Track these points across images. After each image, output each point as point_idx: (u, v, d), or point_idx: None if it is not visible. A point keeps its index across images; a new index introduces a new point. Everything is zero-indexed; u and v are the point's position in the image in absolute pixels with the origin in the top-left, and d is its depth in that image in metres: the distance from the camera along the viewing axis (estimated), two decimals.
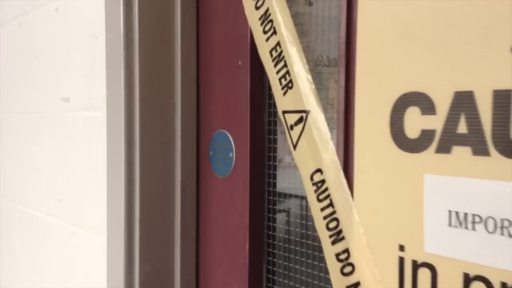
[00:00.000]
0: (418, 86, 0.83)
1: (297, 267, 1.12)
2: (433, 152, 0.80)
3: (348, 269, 0.93)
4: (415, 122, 0.83)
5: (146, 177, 1.32)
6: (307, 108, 1.03)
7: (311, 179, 1.01)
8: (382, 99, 0.88)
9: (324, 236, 0.98)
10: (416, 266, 0.83)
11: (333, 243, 0.96)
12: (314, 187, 1.00)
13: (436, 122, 0.80)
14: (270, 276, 1.21)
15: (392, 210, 0.86)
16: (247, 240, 1.21)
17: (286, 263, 1.16)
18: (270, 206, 1.21)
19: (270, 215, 1.21)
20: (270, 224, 1.21)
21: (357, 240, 0.92)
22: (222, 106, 1.31)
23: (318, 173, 1.00)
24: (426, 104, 0.81)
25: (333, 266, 0.96)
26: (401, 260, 0.85)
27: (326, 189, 0.98)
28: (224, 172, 1.29)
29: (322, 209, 0.98)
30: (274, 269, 1.20)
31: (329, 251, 0.96)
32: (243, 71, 1.23)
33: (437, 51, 0.80)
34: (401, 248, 0.85)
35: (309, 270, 1.08)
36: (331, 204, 0.97)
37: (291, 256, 1.14)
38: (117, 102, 1.32)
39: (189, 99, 1.38)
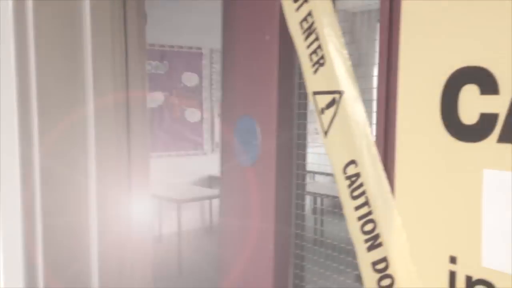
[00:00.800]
0: (478, 60, 0.66)
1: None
2: (495, 142, 0.64)
3: (386, 282, 0.77)
4: (472, 104, 0.66)
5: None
6: (340, 89, 0.87)
7: (344, 172, 0.85)
8: (432, 75, 0.71)
9: (359, 240, 0.82)
10: (470, 283, 0.66)
11: (369, 249, 0.80)
12: (348, 182, 0.84)
13: (499, 104, 0.63)
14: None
15: (442, 213, 0.70)
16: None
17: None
18: (299, 212, 1.05)
19: (298, 222, 1.05)
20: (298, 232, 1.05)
21: (397, 248, 0.76)
22: (246, 87, 1.15)
23: (352, 165, 0.84)
24: (486, 82, 0.64)
25: (368, 278, 0.80)
26: (452, 275, 0.69)
27: (361, 184, 0.82)
28: (248, 161, 1.13)
29: (357, 208, 0.82)
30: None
31: (364, 258, 0.81)
32: (272, 46, 1.08)
33: (504, 16, 0.63)
34: (453, 260, 0.69)
35: None
36: (366, 203, 0.81)
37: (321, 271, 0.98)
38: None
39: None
